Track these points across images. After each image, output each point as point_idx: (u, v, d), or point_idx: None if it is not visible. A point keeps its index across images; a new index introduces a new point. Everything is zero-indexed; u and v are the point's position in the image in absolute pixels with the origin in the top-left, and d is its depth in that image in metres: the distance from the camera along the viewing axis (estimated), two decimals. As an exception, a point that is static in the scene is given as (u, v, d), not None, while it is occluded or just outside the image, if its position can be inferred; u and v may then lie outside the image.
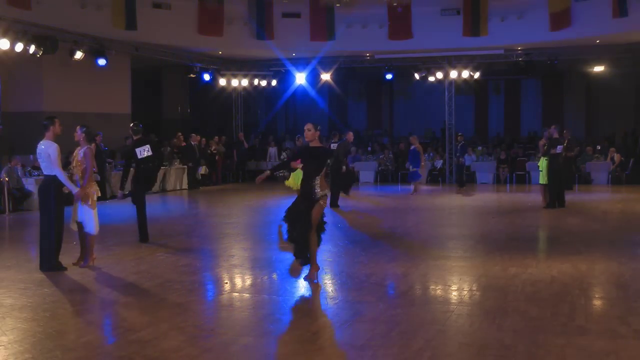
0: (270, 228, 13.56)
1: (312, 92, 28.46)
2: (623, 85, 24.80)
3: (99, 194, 9.25)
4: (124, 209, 17.74)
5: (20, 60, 17.65)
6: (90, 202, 8.94)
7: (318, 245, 8.16)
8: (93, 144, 17.30)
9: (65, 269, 8.84)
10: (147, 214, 11.19)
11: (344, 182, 16.32)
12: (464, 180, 22.43)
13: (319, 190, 7.91)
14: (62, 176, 8.70)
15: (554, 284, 7.85)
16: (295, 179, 13.45)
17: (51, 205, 8.74)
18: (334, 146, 16.74)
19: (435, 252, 10.23)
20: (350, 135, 17.07)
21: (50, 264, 8.78)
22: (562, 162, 15.72)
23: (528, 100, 28.47)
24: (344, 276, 8.42)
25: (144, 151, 11.00)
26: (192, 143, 22.42)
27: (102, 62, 19.17)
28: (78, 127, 9.12)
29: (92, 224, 8.99)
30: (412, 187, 19.66)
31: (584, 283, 8.01)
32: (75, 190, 8.83)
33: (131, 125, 11.50)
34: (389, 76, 24.00)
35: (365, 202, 17.36)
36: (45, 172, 8.83)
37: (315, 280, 7.97)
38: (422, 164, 19.63)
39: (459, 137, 22.58)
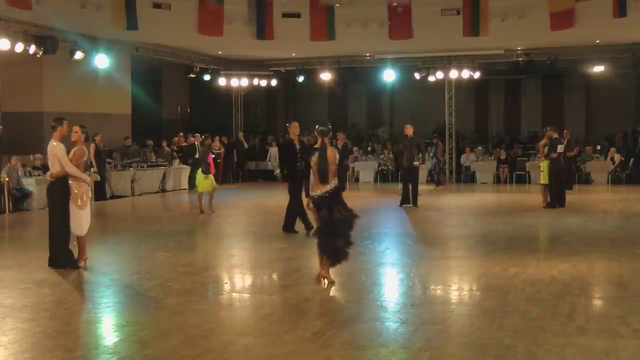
0: (271, 228, 13.55)
1: (312, 92, 28.48)
2: (623, 85, 24.78)
3: (89, 195, 9.29)
4: (124, 208, 17.75)
5: (20, 60, 17.64)
6: (79, 203, 8.94)
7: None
8: (92, 144, 17.52)
9: (78, 266, 8.91)
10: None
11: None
12: (439, 179, 22.56)
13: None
14: (74, 171, 8.84)
15: (554, 284, 7.85)
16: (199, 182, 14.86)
17: (58, 204, 8.89)
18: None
19: (435, 252, 10.24)
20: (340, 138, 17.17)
21: (58, 260, 8.90)
22: (562, 162, 15.75)
23: (528, 100, 28.44)
24: (344, 276, 8.41)
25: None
26: (196, 143, 22.43)
27: (102, 62, 19.16)
28: (77, 126, 9.16)
29: (78, 224, 8.99)
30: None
31: (584, 283, 8.01)
32: (88, 179, 9.09)
33: None
34: (389, 76, 24.00)
35: (366, 202, 17.33)
36: (51, 171, 8.98)
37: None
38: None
39: (434, 140, 22.96)
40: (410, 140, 16.42)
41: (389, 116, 30.07)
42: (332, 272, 7.97)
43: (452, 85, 24.01)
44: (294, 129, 11.67)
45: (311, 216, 7.81)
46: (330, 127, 7.90)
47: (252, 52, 22.85)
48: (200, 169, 15.08)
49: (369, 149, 26.63)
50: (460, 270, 8.94)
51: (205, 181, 14.91)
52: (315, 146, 7.90)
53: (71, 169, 8.82)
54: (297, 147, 11.44)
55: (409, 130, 16.59)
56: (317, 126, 7.93)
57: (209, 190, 15.06)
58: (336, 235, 7.67)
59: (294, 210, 11.76)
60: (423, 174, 24.26)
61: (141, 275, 8.59)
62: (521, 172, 23.67)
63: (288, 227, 12.01)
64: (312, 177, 7.88)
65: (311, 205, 7.89)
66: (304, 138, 11.88)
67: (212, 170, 15.16)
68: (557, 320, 6.31)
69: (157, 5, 18.36)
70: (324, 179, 7.70)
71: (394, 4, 19.12)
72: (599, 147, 23.97)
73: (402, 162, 16.54)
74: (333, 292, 7.74)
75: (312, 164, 7.79)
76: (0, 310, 6.81)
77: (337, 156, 7.81)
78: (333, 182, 7.74)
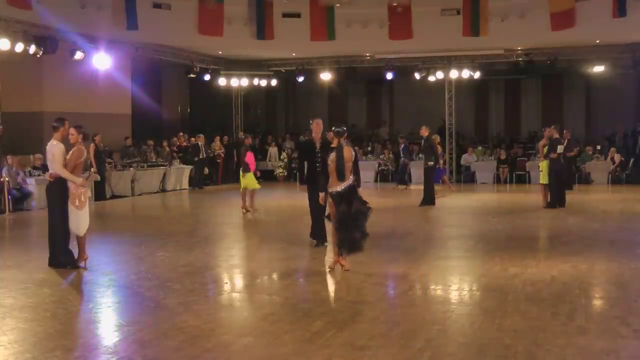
0: (271, 228, 13.55)
1: (312, 92, 28.49)
2: (623, 85, 24.77)
3: (88, 194, 9.28)
4: (124, 208, 17.75)
5: (20, 60, 17.63)
6: (77, 203, 8.94)
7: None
8: (92, 144, 17.51)
9: (77, 266, 8.90)
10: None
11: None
12: (406, 179, 22.53)
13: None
14: (63, 172, 8.83)
15: (554, 284, 7.85)
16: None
17: (57, 203, 8.89)
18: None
19: (435, 252, 10.25)
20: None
21: (58, 260, 8.90)
22: (562, 162, 15.75)
23: (528, 100, 28.43)
24: (344, 276, 8.41)
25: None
26: (199, 143, 22.46)
27: (102, 62, 19.16)
28: (73, 128, 9.15)
29: (76, 224, 8.99)
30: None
31: (584, 283, 8.01)
32: (79, 181, 8.98)
33: None
34: (389, 76, 24.00)
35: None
36: (50, 171, 8.99)
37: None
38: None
39: (400, 140, 22.99)
40: (426, 141, 16.63)
41: (390, 116, 30.05)
42: (333, 272, 8.01)
43: (452, 85, 24.01)
44: (317, 126, 10.42)
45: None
46: (345, 128, 8.62)
47: (252, 52, 22.85)
48: (241, 169, 15.59)
49: (369, 148, 26.62)
50: (460, 270, 8.94)
51: (253, 179, 15.37)
52: (332, 146, 8.62)
53: (62, 172, 8.79)
54: (317, 146, 10.28)
55: (425, 131, 16.70)
56: (333, 128, 8.68)
57: (256, 188, 15.54)
58: (355, 227, 8.33)
59: (316, 215, 10.36)
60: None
61: (141, 275, 8.59)
62: (521, 172, 23.67)
63: (317, 235, 10.63)
64: (330, 175, 8.52)
65: (329, 199, 8.55)
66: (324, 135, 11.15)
67: (252, 168, 15.58)
68: (557, 320, 6.31)
69: (157, 5, 18.36)
70: (341, 177, 8.38)
71: (394, 4, 19.13)
72: (599, 147, 23.96)
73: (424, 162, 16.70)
74: (333, 292, 7.75)
75: (329, 163, 8.45)
76: (0, 310, 6.81)
77: (353, 155, 8.57)
78: (350, 179, 8.44)
